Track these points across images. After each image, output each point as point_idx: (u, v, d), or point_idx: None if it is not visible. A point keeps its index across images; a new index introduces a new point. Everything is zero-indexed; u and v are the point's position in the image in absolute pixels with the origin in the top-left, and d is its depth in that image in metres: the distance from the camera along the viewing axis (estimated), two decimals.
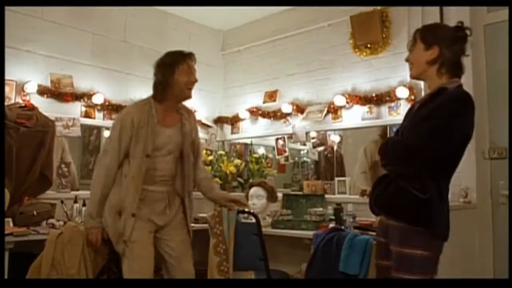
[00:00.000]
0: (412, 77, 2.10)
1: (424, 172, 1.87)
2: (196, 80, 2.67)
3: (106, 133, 4.31)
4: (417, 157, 1.86)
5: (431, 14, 3.61)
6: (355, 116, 4.03)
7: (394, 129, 3.76)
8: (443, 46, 1.96)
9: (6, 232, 2.96)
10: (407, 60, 2.09)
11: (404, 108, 3.71)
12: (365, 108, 3.95)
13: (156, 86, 2.66)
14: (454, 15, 3.49)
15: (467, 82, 3.32)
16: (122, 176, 2.58)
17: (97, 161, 2.76)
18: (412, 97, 3.63)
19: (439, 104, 1.89)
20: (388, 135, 3.85)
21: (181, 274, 2.65)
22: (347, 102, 4.04)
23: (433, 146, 1.83)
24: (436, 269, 1.93)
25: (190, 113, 2.83)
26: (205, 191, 2.89)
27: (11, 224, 3.21)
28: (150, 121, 2.58)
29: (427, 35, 2.00)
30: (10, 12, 3.65)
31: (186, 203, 2.71)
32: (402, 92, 3.67)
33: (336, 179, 4.14)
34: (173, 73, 2.59)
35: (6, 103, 3.55)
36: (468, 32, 1.98)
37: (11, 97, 3.62)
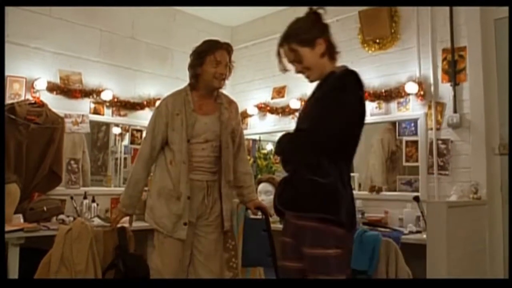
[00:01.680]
0: (314, 80, 1.98)
1: (324, 157, 1.79)
2: (223, 72, 2.62)
3: (115, 130, 4.34)
4: (312, 143, 1.80)
5: (441, 9, 3.58)
6: None
7: (404, 125, 3.77)
8: (324, 35, 1.93)
9: (17, 227, 3.00)
10: (299, 72, 1.98)
11: (413, 103, 3.69)
12: (374, 104, 3.92)
13: (189, 73, 2.70)
14: (464, 9, 3.46)
15: (477, 77, 3.34)
16: (166, 162, 2.60)
17: None
18: (422, 93, 3.61)
19: (327, 87, 1.87)
20: (397, 131, 3.83)
21: (207, 272, 2.61)
22: None
23: (323, 128, 1.77)
24: (349, 264, 1.86)
25: (231, 102, 2.80)
26: (241, 186, 2.80)
27: (21, 220, 3.24)
28: (187, 108, 2.61)
29: (303, 37, 1.92)
30: (19, 9, 3.67)
31: (222, 192, 2.65)
32: (412, 88, 3.64)
33: None
34: (201, 62, 2.62)
35: (16, 100, 3.58)
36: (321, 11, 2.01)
37: (21, 94, 3.64)
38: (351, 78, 1.85)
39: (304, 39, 1.91)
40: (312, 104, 1.92)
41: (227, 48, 2.66)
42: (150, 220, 2.60)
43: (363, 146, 4.15)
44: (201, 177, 2.61)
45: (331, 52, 1.94)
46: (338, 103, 1.79)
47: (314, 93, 1.97)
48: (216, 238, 2.66)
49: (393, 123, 3.94)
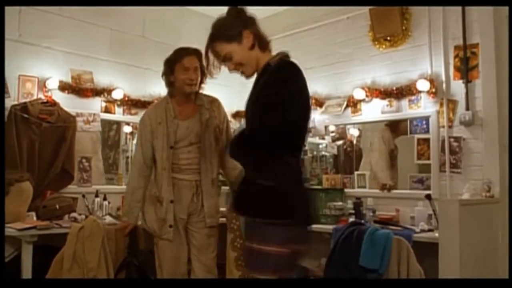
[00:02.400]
0: (250, 75, 1.90)
1: (270, 156, 1.72)
2: (192, 78, 2.70)
3: (126, 128, 4.36)
4: (257, 144, 1.71)
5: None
6: (375, 110, 3.99)
7: (415, 123, 3.75)
8: (248, 27, 1.87)
9: (30, 225, 3.03)
10: (234, 70, 1.89)
11: (425, 101, 3.67)
12: (385, 102, 3.90)
13: (164, 82, 2.83)
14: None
15: (489, 74, 3.30)
16: (155, 169, 2.76)
17: None
18: (433, 90, 3.58)
19: (265, 81, 1.78)
20: (408, 129, 3.81)
21: (200, 265, 2.75)
22: (366, 96, 4.00)
23: (270, 124, 1.68)
24: (293, 267, 1.76)
25: (212, 102, 2.88)
26: (233, 182, 2.87)
27: (34, 218, 3.27)
28: (168, 116, 2.74)
29: (228, 34, 1.85)
30: (30, 9, 3.70)
31: (204, 191, 2.74)
32: (423, 85, 3.61)
33: (356, 173, 4.12)
34: (172, 70, 2.75)
35: (29, 99, 3.61)
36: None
37: (34, 93, 3.67)
38: (288, 69, 1.79)
39: (229, 35, 1.85)
40: (253, 101, 1.81)
41: (195, 53, 2.71)
42: (144, 224, 2.79)
43: (367, 144, 4.20)
44: (190, 177, 2.73)
45: (260, 42, 1.88)
46: (279, 97, 1.70)
47: (254, 89, 1.87)
48: (208, 233, 2.78)
49: (388, 124, 4.00)
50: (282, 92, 1.71)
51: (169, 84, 2.79)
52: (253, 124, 1.76)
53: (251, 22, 1.90)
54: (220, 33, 1.87)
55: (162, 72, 2.82)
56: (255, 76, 1.90)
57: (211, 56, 1.91)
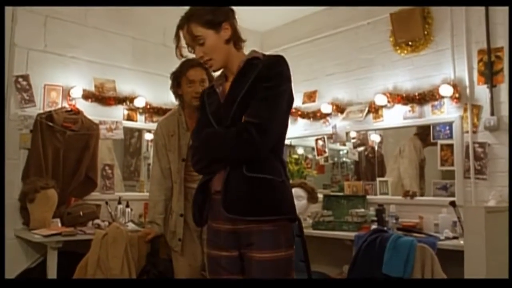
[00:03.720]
0: (217, 69, 1.82)
1: (272, 153, 1.70)
2: (198, 91, 2.60)
3: (147, 136, 4.41)
4: (267, 136, 1.64)
5: (476, 8, 3.49)
6: (397, 116, 3.95)
7: (438, 128, 3.69)
8: (229, 19, 1.77)
9: (55, 232, 3.08)
10: (201, 57, 1.78)
11: (448, 106, 3.61)
12: (407, 107, 3.85)
13: (173, 95, 2.82)
14: (500, 7, 3.36)
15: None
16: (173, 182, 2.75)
17: None
18: (457, 95, 3.52)
19: (262, 74, 1.69)
20: (432, 135, 3.75)
21: None
22: (388, 102, 3.96)
23: (274, 121, 1.66)
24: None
25: None
26: None
27: (59, 224, 3.33)
28: (180, 129, 2.72)
29: (208, 19, 1.73)
30: (55, 19, 3.79)
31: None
32: (446, 90, 3.56)
33: (378, 179, 4.07)
34: (178, 84, 2.72)
35: (53, 108, 3.68)
36: None
37: (58, 102, 3.75)
38: (286, 65, 1.73)
39: (209, 21, 1.74)
40: (248, 93, 1.69)
41: (201, 65, 2.61)
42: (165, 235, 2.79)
43: (395, 150, 4.15)
44: None
45: (236, 40, 1.80)
46: (282, 96, 1.69)
47: (236, 80, 1.76)
48: None
49: (417, 133, 3.96)
50: (281, 90, 1.70)
51: (178, 96, 2.76)
52: (262, 116, 1.65)
53: (232, 17, 1.81)
54: (200, 15, 1.75)
55: (170, 85, 2.78)
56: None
57: (181, 36, 1.80)
